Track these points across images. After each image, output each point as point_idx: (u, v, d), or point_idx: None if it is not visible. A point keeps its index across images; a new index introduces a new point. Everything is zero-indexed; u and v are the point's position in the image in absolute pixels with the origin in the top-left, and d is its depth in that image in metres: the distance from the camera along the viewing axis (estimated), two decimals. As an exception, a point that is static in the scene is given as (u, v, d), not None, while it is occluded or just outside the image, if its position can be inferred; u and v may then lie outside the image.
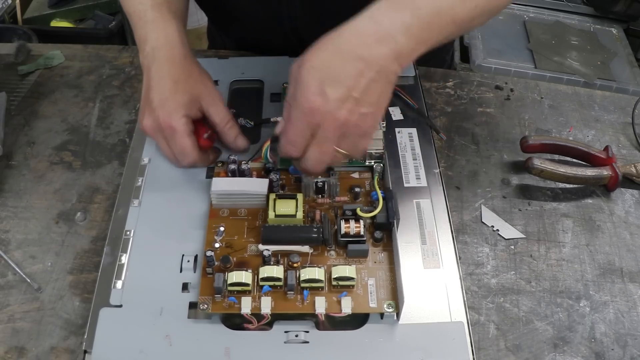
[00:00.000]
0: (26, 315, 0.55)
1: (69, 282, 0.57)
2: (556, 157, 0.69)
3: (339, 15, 0.71)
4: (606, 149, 0.67)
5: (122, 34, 1.67)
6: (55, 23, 1.72)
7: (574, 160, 0.68)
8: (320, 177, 0.58)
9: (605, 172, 0.65)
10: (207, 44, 0.98)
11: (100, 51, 0.83)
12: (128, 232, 0.57)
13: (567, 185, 0.67)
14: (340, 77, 0.48)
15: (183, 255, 0.55)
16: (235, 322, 0.51)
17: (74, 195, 0.65)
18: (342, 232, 0.54)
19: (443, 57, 0.92)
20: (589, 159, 0.67)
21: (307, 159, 0.51)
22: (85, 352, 0.49)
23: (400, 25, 0.49)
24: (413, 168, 0.62)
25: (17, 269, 0.58)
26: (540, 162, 0.65)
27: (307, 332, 0.50)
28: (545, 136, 0.70)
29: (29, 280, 0.57)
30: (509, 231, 0.62)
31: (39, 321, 0.54)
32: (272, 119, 0.63)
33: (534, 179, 0.67)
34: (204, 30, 1.02)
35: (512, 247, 0.61)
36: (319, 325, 0.51)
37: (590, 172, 0.65)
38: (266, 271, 0.52)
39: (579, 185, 0.67)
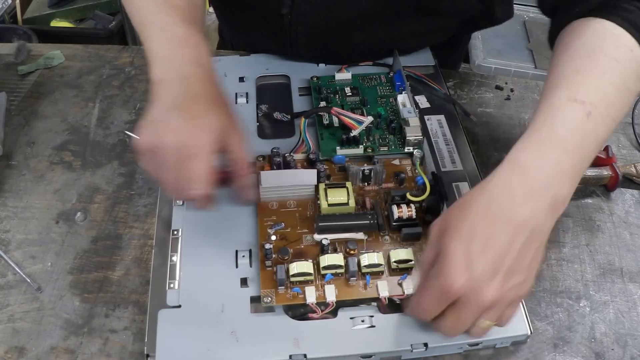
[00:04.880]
0: (26, 315, 0.55)
1: (69, 282, 0.57)
2: (556, 157, 0.69)
3: (341, 45, 0.72)
4: (606, 149, 0.67)
5: (122, 34, 1.67)
6: (55, 23, 1.72)
7: (574, 160, 0.68)
8: (366, 165, 0.60)
9: (605, 172, 0.65)
10: (216, 41, 0.99)
11: (100, 51, 0.83)
12: (175, 232, 0.57)
13: (567, 185, 0.67)
14: (489, 248, 0.42)
15: (237, 250, 0.55)
16: (298, 313, 0.52)
17: (74, 195, 0.65)
18: (395, 217, 0.56)
19: (455, 60, 0.93)
20: (589, 159, 0.67)
21: (441, 324, 0.46)
22: (147, 356, 0.49)
23: (552, 170, 0.44)
24: (447, 153, 0.64)
25: (17, 269, 0.58)
26: (540, 162, 0.65)
27: (372, 316, 0.51)
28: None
29: (29, 280, 0.57)
30: None
31: (39, 321, 0.54)
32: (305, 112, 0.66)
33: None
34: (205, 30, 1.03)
35: (512, 247, 0.61)
36: (380, 309, 0.52)
37: (590, 172, 0.65)
38: (327, 259, 0.52)
39: (579, 185, 0.67)
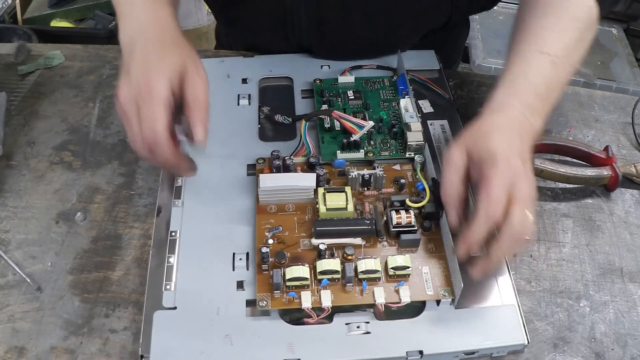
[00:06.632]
0: (26, 315, 0.55)
1: (69, 282, 0.57)
2: (556, 157, 0.68)
3: (341, 28, 0.72)
4: (606, 149, 0.67)
5: (122, 34, 1.67)
6: (55, 23, 1.72)
7: (574, 160, 0.68)
8: (366, 169, 0.60)
9: (605, 172, 0.65)
10: (214, 44, 0.98)
11: (100, 51, 0.83)
12: (173, 233, 0.57)
13: (567, 185, 0.67)
14: (519, 154, 0.51)
15: (234, 253, 0.55)
16: (294, 317, 0.52)
17: (74, 195, 0.65)
18: (394, 223, 0.55)
19: (455, 59, 0.92)
20: (589, 159, 0.67)
21: (513, 223, 0.48)
22: (142, 357, 0.49)
23: (528, 111, 0.54)
24: None
25: (17, 269, 0.58)
26: (540, 162, 0.65)
27: (368, 322, 0.51)
28: (545, 136, 0.70)
29: (29, 280, 0.57)
30: None
31: (39, 321, 0.54)
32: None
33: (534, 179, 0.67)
34: (205, 30, 1.03)
35: (512, 247, 0.61)
36: (377, 316, 0.51)
37: (590, 172, 0.65)
38: (324, 265, 0.52)
39: (579, 185, 0.67)
